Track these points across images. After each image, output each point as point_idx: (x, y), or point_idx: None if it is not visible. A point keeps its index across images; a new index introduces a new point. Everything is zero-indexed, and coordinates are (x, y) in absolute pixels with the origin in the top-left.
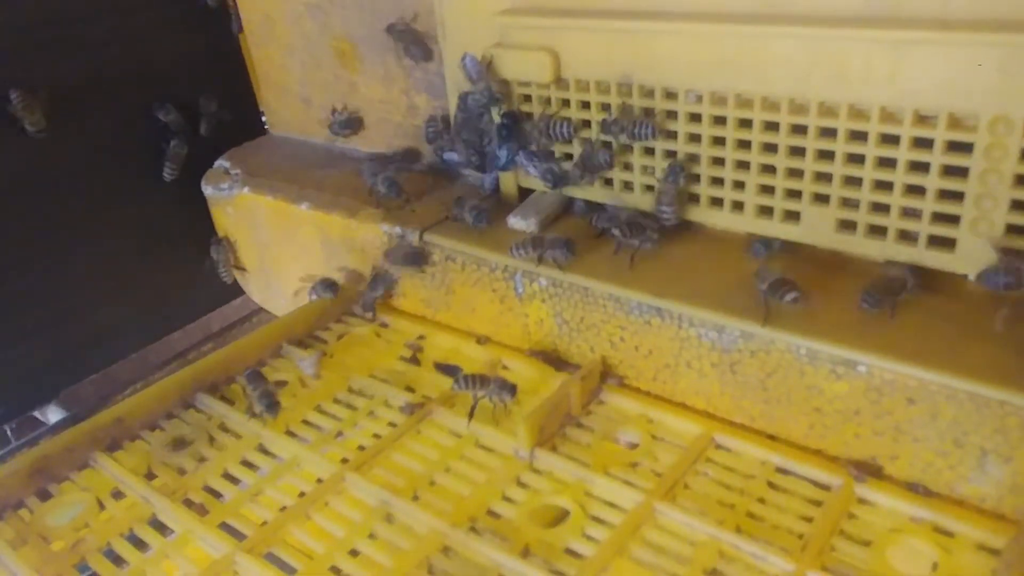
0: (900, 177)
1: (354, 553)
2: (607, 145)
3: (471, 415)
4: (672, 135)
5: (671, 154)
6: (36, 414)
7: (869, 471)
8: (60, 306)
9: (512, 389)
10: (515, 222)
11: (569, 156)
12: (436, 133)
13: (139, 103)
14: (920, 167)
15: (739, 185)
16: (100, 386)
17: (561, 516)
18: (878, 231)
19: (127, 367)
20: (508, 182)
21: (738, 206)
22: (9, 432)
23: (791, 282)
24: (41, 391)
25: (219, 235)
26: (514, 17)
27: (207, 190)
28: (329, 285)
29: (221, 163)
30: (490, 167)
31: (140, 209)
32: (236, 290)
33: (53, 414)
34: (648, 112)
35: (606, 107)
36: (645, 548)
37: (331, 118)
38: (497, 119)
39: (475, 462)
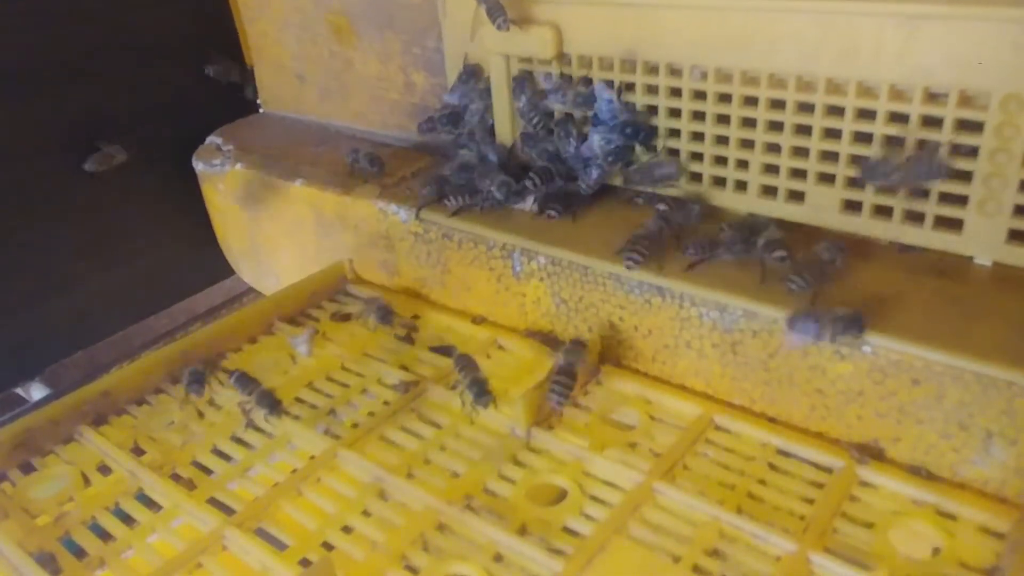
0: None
1: (347, 529)
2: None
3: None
4: (675, 113)
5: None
6: (19, 391)
7: (871, 453)
8: (44, 282)
9: (485, 397)
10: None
11: None
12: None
13: (126, 77)
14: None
15: (743, 164)
16: (84, 368)
17: (559, 495)
18: (884, 212)
19: (111, 349)
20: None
21: (741, 186)
22: None
23: (780, 241)
24: (24, 368)
25: None
26: None
27: (198, 166)
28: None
29: (213, 139)
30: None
31: (128, 184)
32: (225, 270)
33: (37, 391)
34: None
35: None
36: (644, 527)
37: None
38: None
39: (471, 441)
